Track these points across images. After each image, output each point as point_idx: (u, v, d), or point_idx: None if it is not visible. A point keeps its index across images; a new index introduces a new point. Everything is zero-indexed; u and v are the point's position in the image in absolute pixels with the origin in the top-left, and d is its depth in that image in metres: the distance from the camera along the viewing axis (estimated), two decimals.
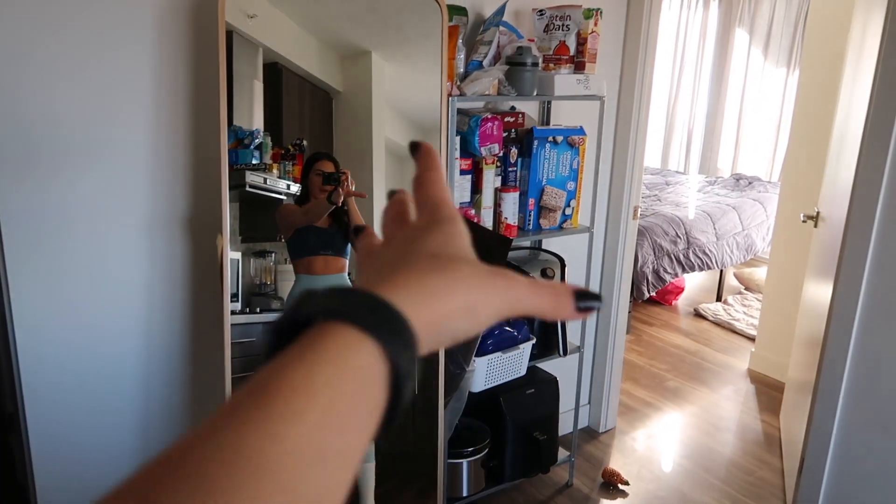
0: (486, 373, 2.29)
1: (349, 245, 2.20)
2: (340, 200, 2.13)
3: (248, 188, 3.50)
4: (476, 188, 2.31)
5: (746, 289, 5.14)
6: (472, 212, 2.26)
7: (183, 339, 2.15)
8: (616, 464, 2.94)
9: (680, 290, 4.89)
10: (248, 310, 3.69)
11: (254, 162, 3.33)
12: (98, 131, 1.86)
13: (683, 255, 4.41)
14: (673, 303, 4.89)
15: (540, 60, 2.23)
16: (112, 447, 2.07)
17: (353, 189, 2.18)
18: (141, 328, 2.05)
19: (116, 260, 1.95)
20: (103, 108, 1.85)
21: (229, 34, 3.49)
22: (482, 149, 2.18)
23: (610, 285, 3.02)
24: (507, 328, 2.31)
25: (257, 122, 3.71)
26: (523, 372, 2.42)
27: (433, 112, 4.38)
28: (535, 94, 2.25)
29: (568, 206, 2.49)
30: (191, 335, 2.17)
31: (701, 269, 4.51)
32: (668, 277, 4.34)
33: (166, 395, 2.15)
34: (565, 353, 2.48)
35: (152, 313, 2.06)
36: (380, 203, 4.13)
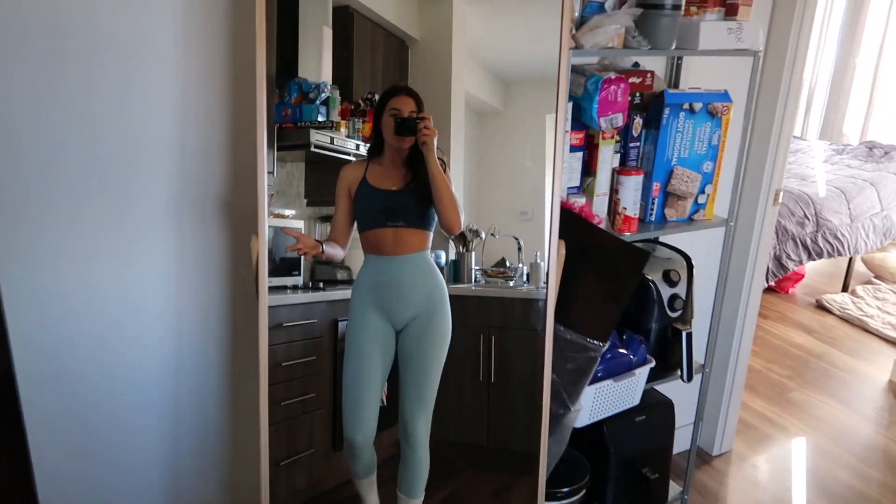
0: (593, 405, 1.82)
1: (432, 212, 1.74)
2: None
3: (313, 149, 3.08)
4: (588, 169, 1.81)
5: (877, 277, 4.44)
6: (581, 200, 1.76)
7: (219, 342, 1.78)
8: (735, 499, 2.45)
9: (799, 276, 4.25)
10: (310, 284, 3.28)
11: (320, 119, 2.90)
12: (114, 93, 1.45)
13: (811, 239, 3.76)
14: (790, 291, 4.25)
15: (683, 2, 1.68)
16: (133, 470, 1.74)
17: (435, 139, 1.71)
18: (168, 329, 1.68)
19: (139, 244, 1.57)
20: (117, 63, 1.44)
21: None
22: (602, 120, 1.67)
23: (737, 286, 2.47)
24: (622, 350, 1.83)
25: (325, 73, 3.24)
26: (637, 401, 1.94)
27: (519, 64, 3.74)
28: (673, 47, 1.70)
29: (702, 192, 1.95)
30: (229, 335, 1.79)
31: (830, 256, 3.86)
32: (791, 265, 3.71)
33: (198, 413, 1.80)
34: (690, 378, 1.98)
35: (182, 310, 1.68)
36: (458, 165, 3.58)
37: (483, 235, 3.58)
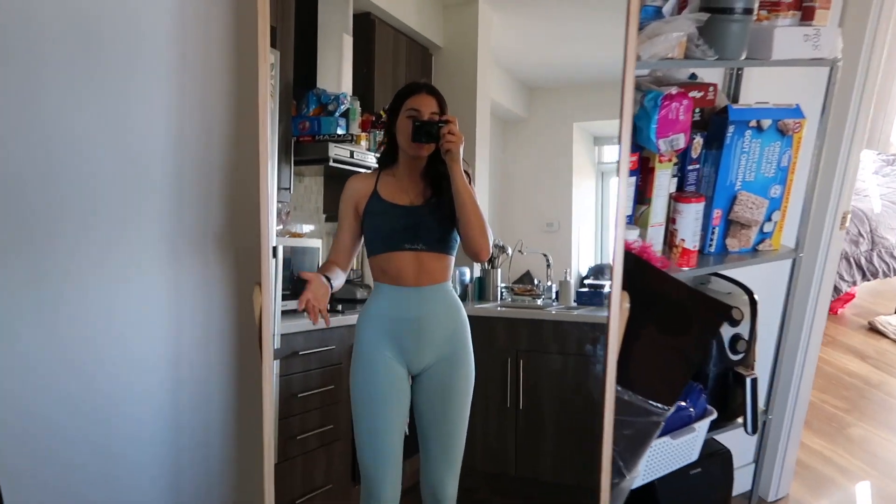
0: (647, 465, 1.60)
1: (455, 234, 1.50)
2: None
3: (331, 163, 2.87)
4: (642, 196, 1.59)
5: None
6: (636, 236, 1.55)
7: (223, 392, 1.58)
8: None
9: (849, 296, 3.98)
10: (328, 306, 3.07)
11: (339, 132, 2.73)
12: (103, 123, 1.27)
13: (866, 258, 3.50)
14: (839, 311, 3.98)
15: (755, 6, 1.46)
16: None
17: (461, 147, 1.43)
18: (166, 379, 1.49)
19: (131, 284, 1.38)
20: (108, 73, 1.25)
21: None
22: (661, 141, 1.46)
23: (798, 318, 2.23)
24: (681, 402, 1.60)
25: (345, 83, 3.07)
26: (695, 457, 1.72)
27: (545, 70, 3.63)
28: (743, 57, 1.48)
29: (769, 219, 1.73)
30: (233, 385, 1.60)
31: (886, 276, 3.59)
32: (843, 287, 3.46)
33: (200, 469, 1.60)
34: (755, 430, 1.75)
35: (180, 358, 1.49)
36: (483, 176, 3.36)
37: (509, 251, 3.34)
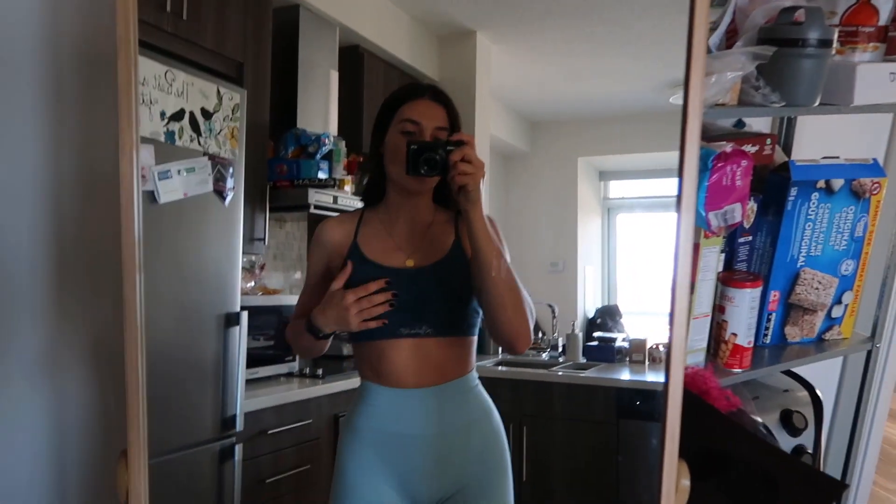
0: None
1: (474, 303, 1.09)
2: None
3: (313, 210, 2.57)
4: None
5: None
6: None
7: None
8: None
9: None
10: (307, 371, 2.72)
11: (320, 176, 2.38)
12: None
13: None
14: None
15: (835, 37, 1.13)
16: None
17: (482, 182, 1.01)
18: None
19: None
20: None
21: (295, 9, 2.54)
22: (711, 215, 1.11)
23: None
24: None
25: (332, 122, 2.75)
26: None
27: (548, 104, 3.34)
28: (817, 102, 1.15)
29: (838, 301, 1.39)
30: None
31: None
32: None
33: None
34: None
35: None
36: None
37: None
